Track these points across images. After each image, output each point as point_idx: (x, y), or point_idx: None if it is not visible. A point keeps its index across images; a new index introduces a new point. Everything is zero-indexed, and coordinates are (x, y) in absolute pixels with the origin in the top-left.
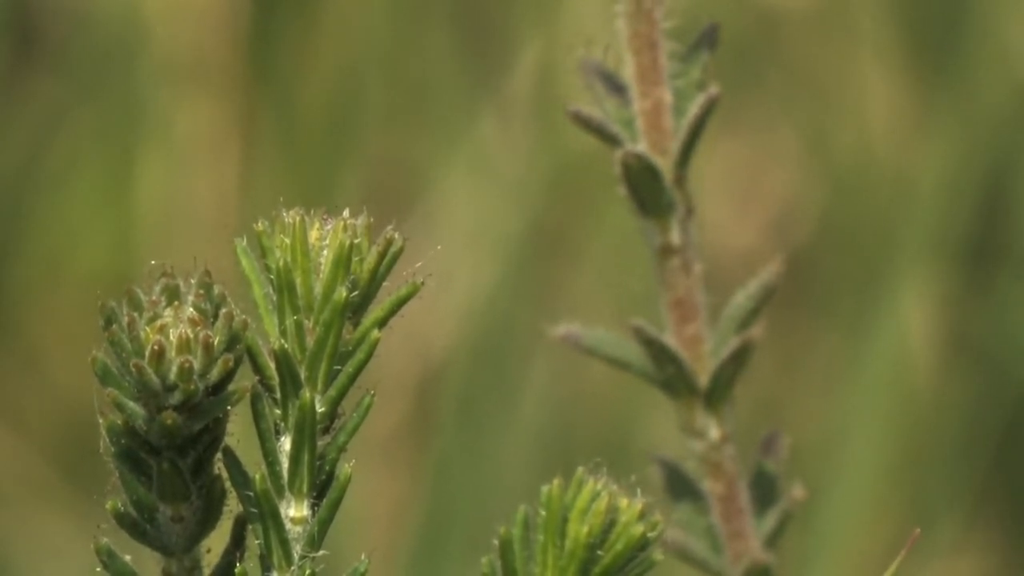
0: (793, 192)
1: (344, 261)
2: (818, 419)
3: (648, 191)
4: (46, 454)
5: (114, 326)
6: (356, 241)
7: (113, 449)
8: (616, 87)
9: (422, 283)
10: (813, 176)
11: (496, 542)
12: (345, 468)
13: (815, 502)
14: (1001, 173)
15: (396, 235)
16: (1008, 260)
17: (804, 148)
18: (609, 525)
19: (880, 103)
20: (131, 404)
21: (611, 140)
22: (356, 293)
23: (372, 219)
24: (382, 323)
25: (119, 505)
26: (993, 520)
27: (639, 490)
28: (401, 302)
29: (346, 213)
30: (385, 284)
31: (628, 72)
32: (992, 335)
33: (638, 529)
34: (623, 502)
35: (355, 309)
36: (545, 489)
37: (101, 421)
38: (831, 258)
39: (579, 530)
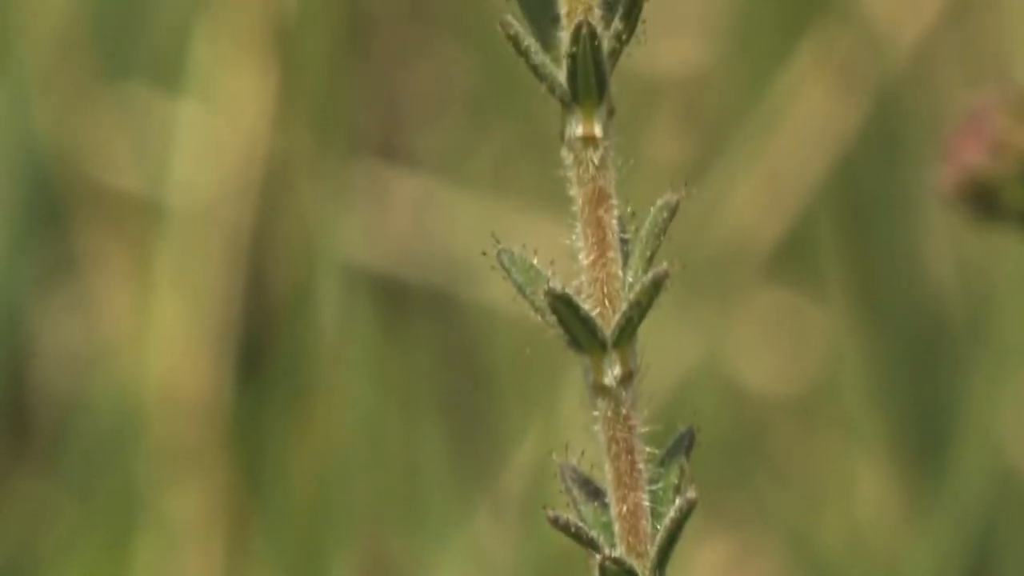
0: None
1: None
2: None
3: None
4: None
5: None
6: None
7: None
8: (594, 492)
9: None
10: (799, 573)
11: None
12: None
13: None
14: (989, 566)
15: None
16: None
17: (789, 545)
18: None
19: (868, 496)
20: None
21: (589, 545)
22: None
23: None
24: None
25: None
26: None
27: None
28: None
29: None
30: None
31: (606, 477)
32: None
33: None
34: None
35: None
36: None
37: None
38: None
39: None
